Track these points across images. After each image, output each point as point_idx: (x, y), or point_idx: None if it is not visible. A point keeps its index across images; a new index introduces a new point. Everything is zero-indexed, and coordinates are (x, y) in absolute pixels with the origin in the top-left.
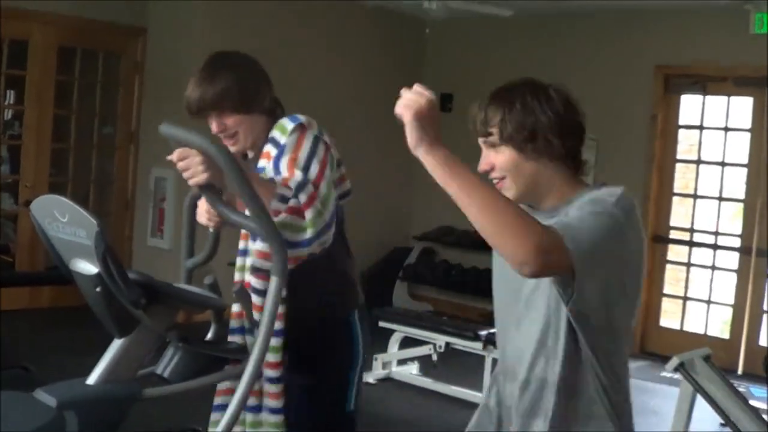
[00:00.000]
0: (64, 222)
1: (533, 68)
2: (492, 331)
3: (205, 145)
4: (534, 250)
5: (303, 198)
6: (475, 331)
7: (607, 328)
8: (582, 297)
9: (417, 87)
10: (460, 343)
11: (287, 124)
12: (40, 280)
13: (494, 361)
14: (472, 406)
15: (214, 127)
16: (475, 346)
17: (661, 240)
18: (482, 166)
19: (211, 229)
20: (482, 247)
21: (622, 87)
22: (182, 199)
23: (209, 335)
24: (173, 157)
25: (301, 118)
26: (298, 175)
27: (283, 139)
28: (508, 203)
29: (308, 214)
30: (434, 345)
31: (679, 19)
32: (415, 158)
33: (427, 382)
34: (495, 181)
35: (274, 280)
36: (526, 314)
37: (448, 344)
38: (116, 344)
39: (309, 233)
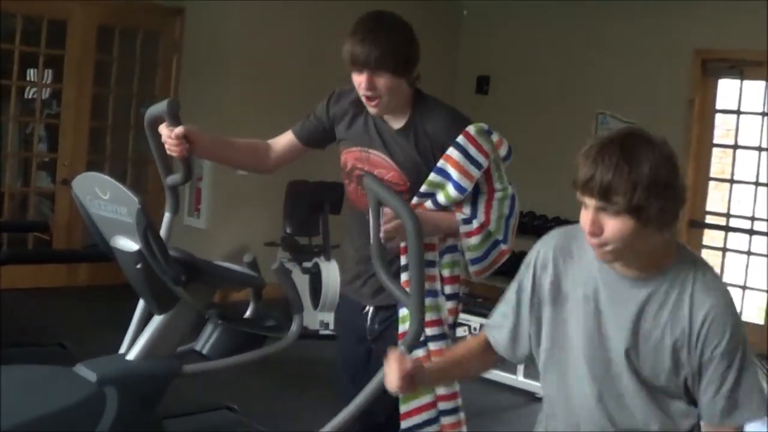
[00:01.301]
0: (105, 199)
1: (570, 51)
2: None
3: (399, 207)
4: None
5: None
6: None
7: None
8: None
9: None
10: None
11: (484, 141)
12: (77, 257)
13: None
14: (505, 388)
15: (364, 84)
16: None
17: (697, 225)
18: (590, 228)
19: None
20: (518, 230)
21: (659, 71)
22: (219, 179)
23: (248, 313)
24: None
25: (494, 136)
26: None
27: (480, 158)
28: None
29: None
30: (469, 327)
31: (717, 3)
32: None
33: None
34: (595, 247)
35: (401, 349)
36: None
37: (482, 326)
38: (156, 320)
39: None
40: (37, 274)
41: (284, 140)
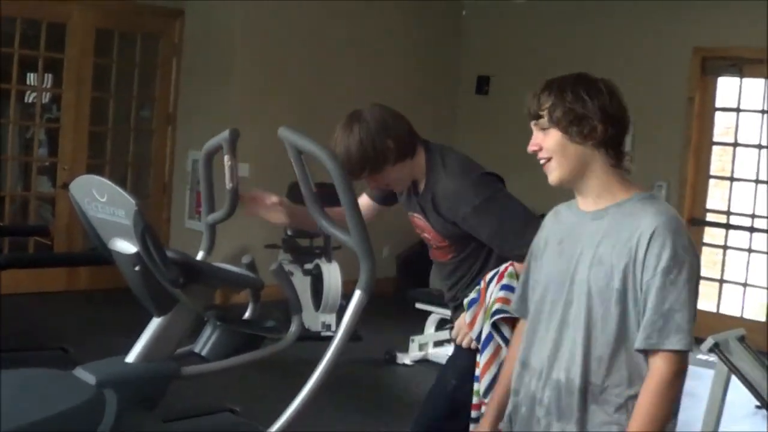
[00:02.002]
0: (102, 202)
1: (570, 50)
2: None
3: (317, 151)
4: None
5: None
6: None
7: None
8: None
9: None
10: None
11: None
12: (78, 260)
13: None
14: None
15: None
16: None
17: (698, 223)
18: (531, 146)
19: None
20: None
21: (659, 69)
22: (218, 182)
23: (247, 314)
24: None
25: None
26: None
27: None
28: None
29: None
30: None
31: (716, 2)
32: (455, 138)
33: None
34: (541, 161)
35: (358, 294)
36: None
37: None
38: (155, 323)
39: None
40: (38, 279)
41: (362, 203)
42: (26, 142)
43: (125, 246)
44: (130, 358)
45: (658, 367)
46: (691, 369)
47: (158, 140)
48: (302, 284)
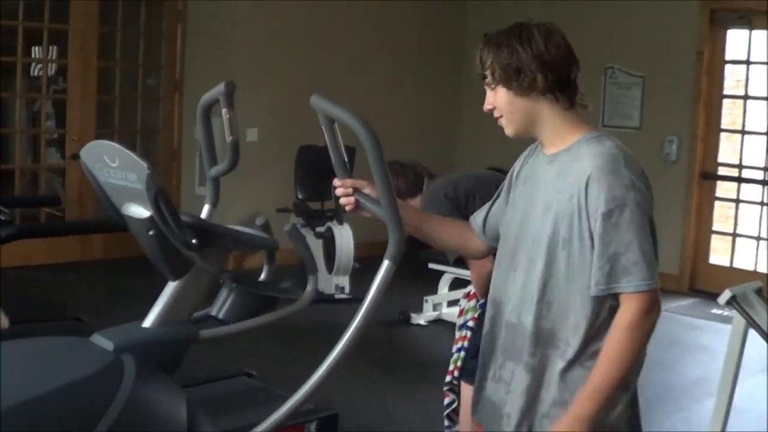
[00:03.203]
0: (114, 167)
1: (577, 6)
2: None
3: (351, 120)
4: (654, 324)
5: None
6: None
7: None
8: None
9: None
10: None
11: None
12: (91, 227)
13: None
14: None
15: None
16: None
17: (709, 177)
18: (486, 106)
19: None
20: None
21: (667, 23)
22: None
23: (262, 276)
24: (336, 182)
25: None
26: None
27: None
28: (623, 357)
29: None
30: None
31: None
32: (464, 109)
33: None
34: (497, 116)
35: (386, 264)
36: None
37: None
38: (171, 287)
39: None
40: (51, 250)
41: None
42: (33, 114)
43: (138, 211)
44: (148, 323)
45: (619, 311)
46: (706, 324)
47: (166, 108)
48: (314, 247)
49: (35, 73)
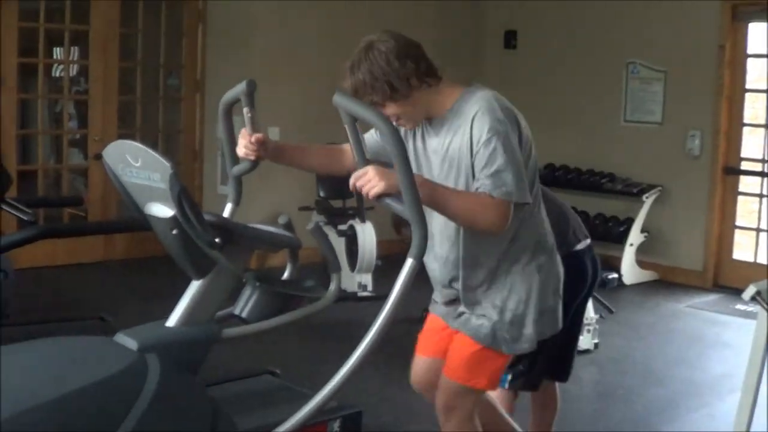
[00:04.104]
0: (137, 166)
1: (599, 7)
2: None
3: (374, 118)
4: (504, 225)
5: None
6: None
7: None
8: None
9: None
10: None
11: None
12: (114, 227)
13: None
14: None
15: None
16: None
17: (732, 171)
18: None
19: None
20: (552, 183)
21: (688, 18)
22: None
23: (285, 274)
24: (352, 181)
25: None
26: None
27: None
28: (469, 198)
29: None
30: None
31: None
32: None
33: None
34: (396, 122)
35: (410, 262)
36: None
37: None
38: (194, 286)
39: None
40: (74, 250)
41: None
42: (56, 115)
43: (162, 210)
44: (171, 322)
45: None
46: (730, 320)
47: (187, 107)
48: (337, 245)
49: (57, 74)
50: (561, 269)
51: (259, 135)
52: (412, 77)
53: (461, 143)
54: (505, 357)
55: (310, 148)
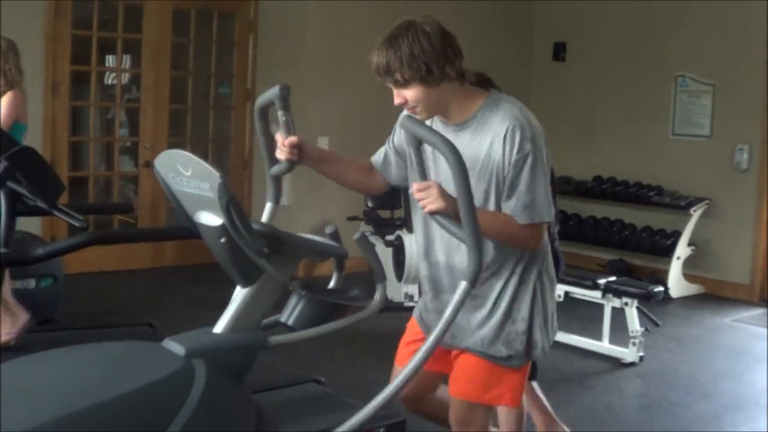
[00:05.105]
0: (187, 176)
1: (647, 14)
2: (611, 279)
3: (439, 143)
4: (539, 245)
5: None
6: (594, 280)
7: None
8: None
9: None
10: (578, 292)
11: None
12: (164, 235)
13: (613, 309)
14: (591, 354)
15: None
16: (594, 295)
17: None
18: (397, 100)
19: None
20: (600, 196)
21: (737, 30)
22: None
23: (331, 283)
24: (414, 188)
25: None
26: None
27: None
28: (507, 223)
29: None
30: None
31: None
32: (531, 105)
33: None
34: (406, 108)
35: (463, 285)
36: None
37: (567, 293)
38: (241, 294)
39: None
40: (124, 256)
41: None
42: (107, 123)
43: (211, 218)
44: (218, 328)
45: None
46: (759, 330)
47: (237, 116)
48: (384, 255)
49: (109, 82)
50: (554, 272)
51: (293, 138)
52: (448, 66)
53: (490, 152)
54: (522, 370)
55: (348, 163)
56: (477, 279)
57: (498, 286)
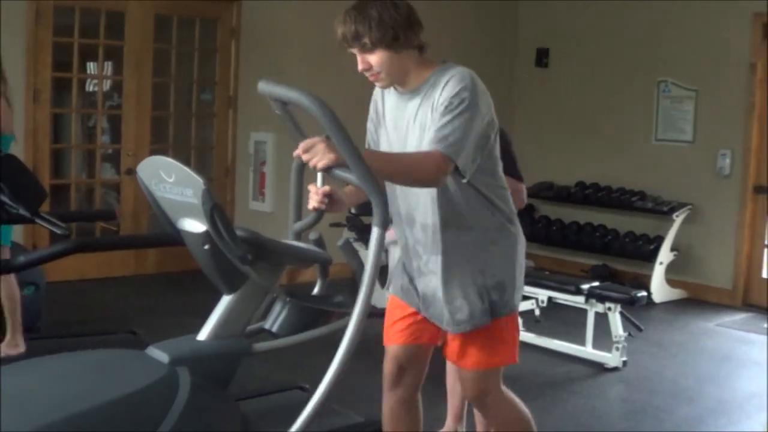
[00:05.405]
0: (170, 182)
1: (629, 20)
2: (594, 284)
3: (301, 98)
4: (438, 177)
5: None
6: (577, 285)
7: (492, 169)
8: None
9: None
10: (562, 298)
11: None
12: (147, 242)
13: (597, 314)
14: (574, 359)
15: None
16: (578, 300)
17: (763, 190)
18: (361, 66)
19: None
20: (583, 201)
21: (719, 36)
22: (282, 163)
23: (315, 290)
24: (298, 152)
25: None
26: None
27: None
28: (412, 154)
29: None
30: (536, 300)
31: None
32: (514, 110)
33: (530, 337)
34: (369, 74)
35: (375, 231)
36: None
37: (550, 299)
38: (225, 301)
39: None
40: (106, 264)
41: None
42: (89, 130)
43: (194, 225)
44: (202, 336)
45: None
46: (759, 339)
47: (220, 123)
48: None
49: (91, 89)
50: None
51: (326, 188)
52: (412, 34)
53: (429, 106)
54: (511, 318)
55: (350, 190)
56: (386, 221)
57: (476, 261)
